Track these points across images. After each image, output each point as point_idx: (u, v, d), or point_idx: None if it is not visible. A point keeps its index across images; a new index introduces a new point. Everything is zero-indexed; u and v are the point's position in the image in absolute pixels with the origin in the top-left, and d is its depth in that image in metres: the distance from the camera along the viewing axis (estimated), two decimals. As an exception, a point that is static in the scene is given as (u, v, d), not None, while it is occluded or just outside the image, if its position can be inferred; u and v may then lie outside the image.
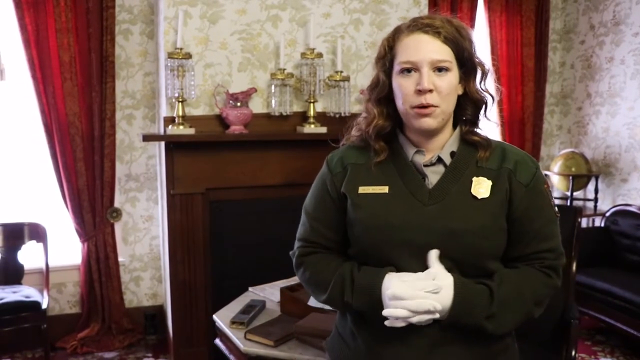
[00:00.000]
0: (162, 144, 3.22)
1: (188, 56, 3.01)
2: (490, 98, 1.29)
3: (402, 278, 1.18)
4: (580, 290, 3.46)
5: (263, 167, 3.21)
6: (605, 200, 4.38)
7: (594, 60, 4.44)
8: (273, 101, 3.20)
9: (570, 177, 4.28)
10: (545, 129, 4.67)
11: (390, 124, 1.29)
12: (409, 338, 1.20)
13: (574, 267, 2.38)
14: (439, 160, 1.26)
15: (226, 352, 2.39)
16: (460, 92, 1.26)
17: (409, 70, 1.21)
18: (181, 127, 3.02)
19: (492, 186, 1.22)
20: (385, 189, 1.25)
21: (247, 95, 3.13)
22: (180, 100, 3.01)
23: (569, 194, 4.31)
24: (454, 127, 1.30)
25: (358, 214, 1.26)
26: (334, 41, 3.33)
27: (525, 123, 4.45)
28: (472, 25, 4.17)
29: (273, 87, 3.20)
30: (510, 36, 4.34)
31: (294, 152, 3.23)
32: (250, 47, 3.22)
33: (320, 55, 3.23)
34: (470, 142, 1.27)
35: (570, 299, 2.36)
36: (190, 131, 3.04)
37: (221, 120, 3.16)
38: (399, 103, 1.24)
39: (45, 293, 3.32)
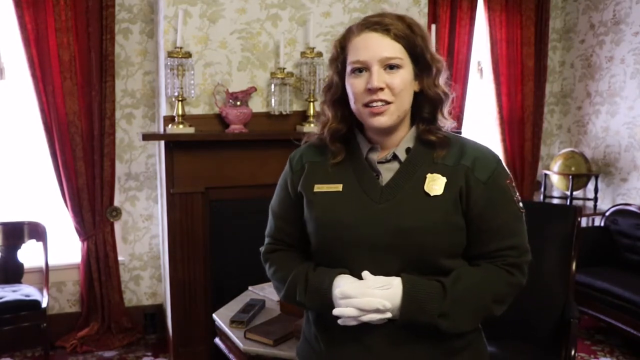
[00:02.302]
0: (162, 143, 3.22)
1: (188, 55, 3.01)
2: (444, 95, 1.25)
3: (353, 279, 1.19)
4: (580, 290, 3.46)
5: (263, 166, 3.21)
6: (605, 199, 4.38)
7: (594, 59, 4.44)
8: (273, 100, 3.20)
9: (570, 177, 4.28)
10: (545, 129, 4.67)
11: (345, 127, 1.29)
12: (364, 339, 1.20)
13: (573, 267, 2.38)
14: (395, 157, 1.24)
15: (226, 351, 2.39)
16: (416, 89, 1.24)
17: (360, 70, 1.20)
18: (181, 126, 3.02)
19: (446, 183, 1.19)
20: (339, 187, 1.25)
21: (246, 94, 3.13)
22: (180, 99, 3.01)
23: (568, 193, 4.31)
24: (413, 125, 1.28)
25: (312, 212, 1.26)
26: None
27: (525, 122, 4.44)
28: (472, 25, 4.17)
29: (273, 86, 3.20)
30: (510, 35, 4.34)
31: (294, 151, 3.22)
32: (250, 46, 3.22)
33: (320, 54, 3.22)
34: (427, 141, 1.24)
35: (570, 298, 2.36)
36: (190, 130, 3.04)
37: (221, 120, 3.16)
38: (352, 103, 1.23)
39: (45, 292, 3.32)
